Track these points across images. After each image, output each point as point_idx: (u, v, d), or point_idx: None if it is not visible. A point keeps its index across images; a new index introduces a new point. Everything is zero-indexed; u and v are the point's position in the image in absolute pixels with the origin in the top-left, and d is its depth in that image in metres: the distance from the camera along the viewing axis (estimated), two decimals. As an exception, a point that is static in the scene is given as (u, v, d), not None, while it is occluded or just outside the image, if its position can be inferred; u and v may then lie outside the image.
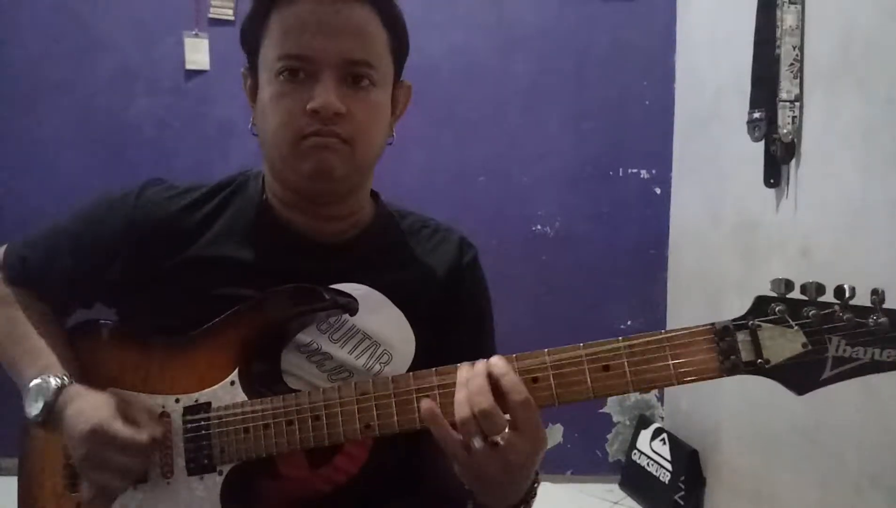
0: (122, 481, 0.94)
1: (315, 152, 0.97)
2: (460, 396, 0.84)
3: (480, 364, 0.86)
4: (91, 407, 0.95)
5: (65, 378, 1.00)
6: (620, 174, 2.95)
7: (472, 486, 0.88)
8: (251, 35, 1.02)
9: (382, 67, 1.01)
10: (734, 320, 0.83)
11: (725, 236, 2.45)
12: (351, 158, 0.99)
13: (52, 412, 0.98)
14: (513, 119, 2.94)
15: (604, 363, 0.84)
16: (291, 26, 0.96)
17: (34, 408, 0.99)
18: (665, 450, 2.71)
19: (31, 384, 1.00)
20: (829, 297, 0.81)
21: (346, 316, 1.04)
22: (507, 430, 0.82)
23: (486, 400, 0.82)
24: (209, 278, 1.04)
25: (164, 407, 1.00)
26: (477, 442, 0.82)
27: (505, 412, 0.82)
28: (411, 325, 1.08)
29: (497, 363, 0.85)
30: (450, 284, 1.13)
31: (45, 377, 1.00)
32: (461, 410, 0.83)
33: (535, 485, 0.92)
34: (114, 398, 0.98)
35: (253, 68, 1.03)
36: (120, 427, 0.92)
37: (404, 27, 1.04)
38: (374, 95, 1.00)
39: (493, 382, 0.83)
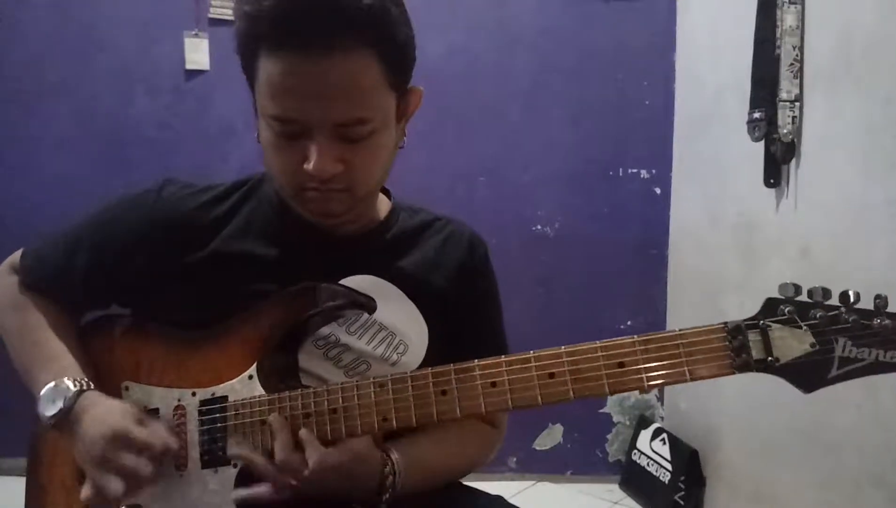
0: (130, 484, 0.93)
1: (316, 201, 0.99)
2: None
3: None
4: (112, 413, 0.96)
5: (83, 383, 1.01)
6: (620, 174, 2.95)
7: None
8: (243, 60, 0.97)
9: (380, 111, 0.96)
10: (746, 320, 0.87)
11: (725, 236, 2.45)
12: (353, 198, 1.01)
13: (68, 416, 0.99)
14: (513, 119, 2.94)
15: (619, 360, 0.88)
16: (278, 85, 0.91)
17: (50, 409, 0.99)
18: (665, 450, 2.71)
19: (48, 386, 1.00)
20: (834, 301, 0.85)
21: None
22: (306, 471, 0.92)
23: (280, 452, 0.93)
24: (229, 273, 1.06)
25: (179, 400, 1.02)
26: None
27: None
28: (423, 317, 1.11)
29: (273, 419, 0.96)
30: (461, 278, 1.16)
31: (62, 380, 1.01)
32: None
33: (387, 473, 0.99)
34: (132, 408, 0.99)
35: (250, 84, 0.99)
36: (140, 431, 0.94)
37: (406, 47, 0.98)
38: (372, 141, 0.97)
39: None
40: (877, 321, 0.82)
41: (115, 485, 0.92)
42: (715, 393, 2.50)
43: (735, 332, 0.86)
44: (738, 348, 0.85)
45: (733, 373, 0.85)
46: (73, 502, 1.04)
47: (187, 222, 1.08)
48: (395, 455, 1.00)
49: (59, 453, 1.06)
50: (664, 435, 2.76)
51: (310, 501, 0.99)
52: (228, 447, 0.96)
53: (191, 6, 2.83)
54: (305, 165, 0.94)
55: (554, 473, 2.99)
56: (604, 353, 0.88)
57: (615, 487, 2.93)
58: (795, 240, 2.02)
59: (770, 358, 0.84)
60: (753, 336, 0.85)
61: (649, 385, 0.86)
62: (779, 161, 2.06)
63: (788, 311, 0.85)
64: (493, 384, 0.91)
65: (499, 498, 1.12)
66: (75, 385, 1.00)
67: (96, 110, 2.87)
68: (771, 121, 2.03)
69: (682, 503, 2.56)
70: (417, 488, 1.03)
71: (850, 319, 0.83)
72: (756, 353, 0.85)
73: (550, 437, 3.00)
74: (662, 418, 2.98)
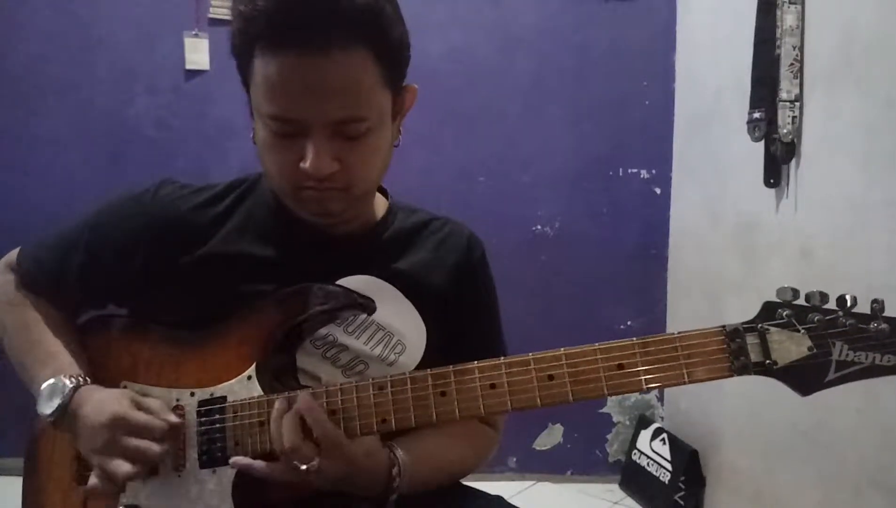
0: (134, 467, 0.94)
1: (314, 200, 0.99)
2: (273, 429, 0.93)
3: (295, 402, 0.94)
4: (108, 400, 0.97)
5: (79, 379, 1.02)
6: (620, 174, 2.95)
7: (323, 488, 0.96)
8: (239, 60, 0.97)
9: (377, 109, 0.97)
10: (744, 323, 0.87)
11: (725, 236, 2.45)
12: (351, 197, 1.01)
13: (66, 412, 0.99)
14: (513, 119, 2.94)
15: (618, 362, 0.88)
16: (275, 84, 0.91)
17: (48, 407, 1.00)
18: (665, 450, 2.71)
19: (46, 384, 1.01)
20: (832, 305, 0.86)
21: None
22: (316, 459, 0.91)
23: (291, 438, 0.91)
24: (225, 273, 1.06)
25: (178, 401, 1.02)
26: (299, 465, 0.91)
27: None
28: (422, 316, 1.11)
29: (302, 399, 0.93)
30: (459, 278, 1.16)
31: (59, 377, 1.01)
32: (277, 443, 0.93)
33: (394, 473, 0.98)
34: (129, 392, 1.00)
35: (245, 85, 0.99)
36: (138, 415, 0.95)
37: (401, 46, 0.98)
38: (369, 139, 0.97)
39: (301, 419, 0.92)
40: (873, 325, 0.83)
41: (122, 468, 0.93)
42: (715, 394, 2.50)
43: (733, 335, 0.86)
44: (736, 351, 0.85)
45: (731, 376, 0.85)
46: (70, 502, 1.05)
47: (184, 221, 1.08)
48: (399, 453, 1.00)
49: (57, 453, 1.07)
50: (664, 435, 2.76)
51: (315, 501, 0.99)
52: (232, 461, 0.96)
53: (191, 6, 2.83)
54: (302, 164, 0.94)
55: (554, 473, 2.99)
56: (603, 355, 0.88)
57: (615, 487, 2.93)
58: (795, 240, 2.02)
59: (768, 361, 0.85)
60: (751, 339, 0.85)
61: (648, 388, 0.87)
62: (779, 161, 2.06)
63: (786, 315, 0.85)
64: (493, 386, 0.91)
65: (498, 498, 1.12)
66: (72, 382, 1.01)
67: (96, 110, 2.87)
68: (771, 121, 2.03)
69: (682, 503, 2.56)
70: (420, 487, 1.03)
71: (848, 323, 0.83)
72: (754, 356, 0.85)
73: (550, 437, 3.00)
74: (662, 418, 2.99)
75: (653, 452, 2.77)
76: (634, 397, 3.00)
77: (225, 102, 2.81)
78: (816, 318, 0.84)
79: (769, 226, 2.16)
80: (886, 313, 0.84)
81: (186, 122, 2.89)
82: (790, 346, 0.84)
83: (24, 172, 2.86)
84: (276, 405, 0.94)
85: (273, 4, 0.88)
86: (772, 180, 2.10)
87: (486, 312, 1.23)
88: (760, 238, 2.22)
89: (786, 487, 2.08)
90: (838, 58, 1.85)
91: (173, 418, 0.97)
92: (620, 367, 0.88)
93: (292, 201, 1.02)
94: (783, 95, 2.00)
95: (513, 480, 2.95)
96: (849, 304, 0.83)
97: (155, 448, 0.94)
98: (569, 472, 3.01)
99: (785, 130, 1.99)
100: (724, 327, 0.87)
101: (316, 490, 1.02)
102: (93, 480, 0.96)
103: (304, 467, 0.90)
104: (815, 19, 1.95)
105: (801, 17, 1.98)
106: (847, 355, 0.83)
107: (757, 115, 2.07)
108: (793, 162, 2.03)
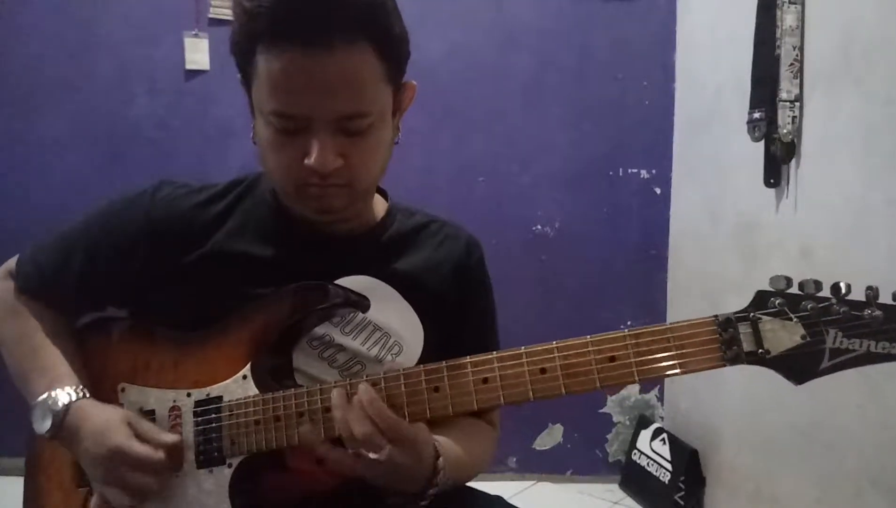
0: (133, 499, 0.95)
1: (316, 198, 0.99)
2: (339, 417, 0.91)
3: (356, 395, 0.92)
4: (106, 428, 0.97)
5: (73, 392, 1.02)
6: (620, 174, 2.95)
7: (376, 481, 0.94)
8: (240, 58, 0.96)
9: (379, 105, 0.97)
10: (736, 312, 0.87)
11: (725, 236, 2.45)
12: (353, 193, 1.02)
13: (62, 429, 0.99)
14: (513, 119, 2.94)
15: (610, 355, 0.88)
16: (279, 81, 0.91)
17: (42, 425, 1.00)
18: (665, 450, 2.71)
19: (39, 399, 1.01)
20: (825, 293, 0.85)
21: None
22: (387, 447, 0.89)
23: (364, 428, 0.89)
24: (224, 273, 1.06)
25: (175, 401, 1.02)
26: (364, 455, 0.89)
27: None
28: (419, 317, 1.10)
29: (363, 391, 0.92)
30: (456, 280, 1.16)
31: (52, 391, 1.01)
32: (344, 430, 0.90)
33: (438, 466, 0.97)
34: (126, 415, 0.99)
35: (246, 83, 0.99)
36: (138, 447, 0.94)
37: (401, 41, 0.98)
38: (371, 135, 0.97)
39: (365, 409, 0.91)
40: (867, 312, 0.82)
41: (121, 500, 0.95)
42: (715, 393, 2.49)
43: (725, 324, 0.86)
44: (728, 340, 0.85)
45: (724, 366, 0.85)
46: (71, 503, 1.05)
47: (183, 222, 1.08)
48: (439, 445, 0.98)
49: (58, 454, 1.06)
50: (664, 435, 2.76)
51: (340, 498, 1.00)
52: (300, 429, 0.94)
53: (191, 6, 2.83)
54: (307, 160, 0.94)
55: (554, 473, 2.99)
56: (595, 348, 0.88)
57: (615, 487, 2.93)
58: (795, 240, 2.01)
59: (761, 350, 0.84)
60: (744, 329, 0.85)
61: (640, 379, 0.86)
62: (779, 161, 2.06)
63: (779, 303, 0.84)
64: (485, 381, 0.91)
65: (499, 498, 1.12)
66: (67, 396, 1.01)
67: (96, 110, 2.88)
68: (771, 121, 2.03)
69: (682, 503, 2.55)
70: (447, 484, 1.01)
71: (841, 310, 0.82)
72: (747, 345, 0.84)
73: (550, 437, 3.00)
74: (662, 418, 2.98)
75: (653, 452, 2.77)
76: (634, 397, 2.99)
77: (225, 102, 2.82)
78: (810, 306, 0.83)
79: (769, 226, 2.16)
80: (880, 301, 0.83)
81: (186, 122, 2.89)
82: (783, 334, 0.83)
83: (24, 172, 2.87)
84: (334, 395, 0.93)
85: (277, 0, 0.88)
86: (772, 180, 2.10)
87: (483, 314, 1.23)
88: (760, 238, 2.22)
89: (786, 486, 2.08)
90: (838, 58, 1.85)
91: (170, 438, 0.97)
92: (612, 359, 0.87)
93: (294, 199, 1.02)
94: (783, 95, 2.00)
95: (513, 480, 2.95)
96: (843, 291, 0.83)
97: (153, 484, 0.95)
98: (569, 472, 3.00)
99: (785, 130, 1.99)
100: (716, 316, 0.86)
101: (338, 487, 1.02)
102: (94, 500, 0.98)
103: (373, 456, 0.89)
104: (815, 19, 1.95)
105: (801, 17, 1.98)
106: (841, 342, 0.82)
107: (757, 115, 2.07)
108: (793, 162, 2.03)
